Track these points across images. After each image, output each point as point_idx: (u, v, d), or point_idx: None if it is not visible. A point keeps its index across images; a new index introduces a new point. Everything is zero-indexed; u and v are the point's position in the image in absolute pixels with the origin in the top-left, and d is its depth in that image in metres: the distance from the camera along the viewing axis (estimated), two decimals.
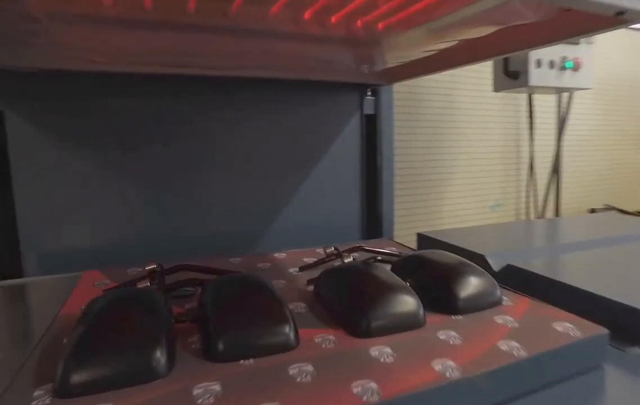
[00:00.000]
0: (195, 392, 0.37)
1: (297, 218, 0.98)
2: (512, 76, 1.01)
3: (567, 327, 0.49)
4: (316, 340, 0.48)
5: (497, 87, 1.05)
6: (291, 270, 0.75)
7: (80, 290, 0.65)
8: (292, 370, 0.41)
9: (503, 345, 0.45)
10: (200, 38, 0.63)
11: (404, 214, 1.34)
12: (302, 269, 0.73)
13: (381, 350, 0.45)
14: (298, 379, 0.39)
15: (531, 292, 0.61)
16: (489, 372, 0.40)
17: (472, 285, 0.56)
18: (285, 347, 0.45)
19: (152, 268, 0.64)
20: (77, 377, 0.36)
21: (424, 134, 1.35)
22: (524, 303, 0.57)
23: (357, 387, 0.37)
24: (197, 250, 0.89)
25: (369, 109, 1.04)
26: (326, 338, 0.48)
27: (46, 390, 0.37)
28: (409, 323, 0.50)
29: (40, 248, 0.79)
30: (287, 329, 0.46)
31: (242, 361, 0.42)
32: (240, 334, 0.44)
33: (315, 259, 0.77)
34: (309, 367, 0.41)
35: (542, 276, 0.66)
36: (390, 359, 0.43)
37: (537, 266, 0.70)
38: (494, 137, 1.46)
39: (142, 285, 0.59)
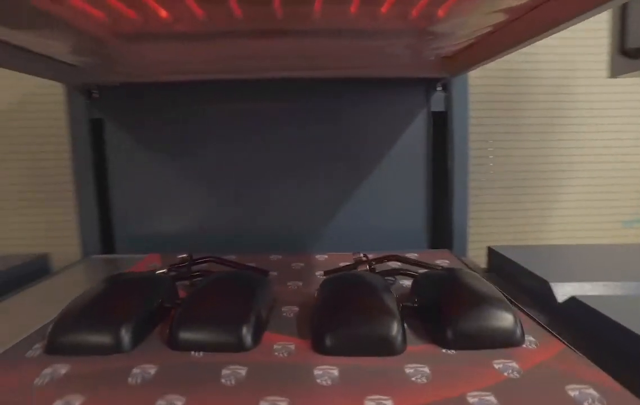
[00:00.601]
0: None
1: (357, 221, 0.95)
2: (632, 55, 0.76)
3: (588, 394, 0.36)
4: (271, 349, 0.46)
5: (614, 71, 0.81)
6: (317, 273, 0.73)
7: (137, 267, 0.77)
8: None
9: (472, 398, 0.36)
10: (283, 42, 0.65)
11: (500, 224, 1.17)
12: (326, 272, 0.71)
13: (326, 371, 0.41)
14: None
15: (593, 334, 0.47)
16: None
17: (476, 316, 0.46)
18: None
19: (182, 257, 0.71)
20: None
21: (528, 132, 1.15)
22: (552, 349, 0.45)
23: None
24: (261, 244, 0.94)
25: (438, 106, 0.93)
26: (284, 347, 0.46)
27: None
28: (380, 348, 0.44)
29: (128, 232, 0.95)
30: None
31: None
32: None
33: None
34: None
35: (608, 318, 0.50)
36: (328, 382, 0.39)
37: (609, 303, 0.53)
38: (625, 135, 1.14)
39: (159, 272, 0.67)
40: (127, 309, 0.49)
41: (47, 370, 0.41)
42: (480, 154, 1.16)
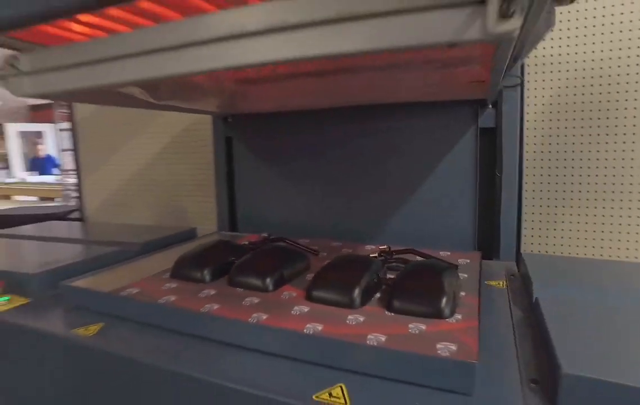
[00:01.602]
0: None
1: (411, 221, 1.11)
2: None
3: (446, 347, 0.52)
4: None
5: None
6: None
7: (242, 240, 1.12)
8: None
9: (370, 339, 0.56)
10: (354, 78, 0.89)
11: (581, 235, 1.14)
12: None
13: (301, 308, 0.66)
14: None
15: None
16: (324, 338, 0.55)
17: (412, 293, 0.64)
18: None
19: (264, 236, 1.03)
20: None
21: (615, 140, 1.09)
22: (462, 325, 0.59)
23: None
24: (334, 232, 1.19)
25: (488, 122, 1.01)
26: (289, 294, 0.73)
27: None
28: (341, 303, 0.66)
29: (245, 217, 1.33)
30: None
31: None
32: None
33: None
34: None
35: (542, 315, 0.59)
36: (297, 312, 0.64)
37: (559, 304, 0.62)
38: None
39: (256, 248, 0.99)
40: (208, 258, 0.83)
41: (170, 284, 0.77)
42: (564, 163, 1.15)
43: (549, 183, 1.18)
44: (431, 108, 1.06)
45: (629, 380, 0.44)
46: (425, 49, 0.45)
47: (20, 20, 0.64)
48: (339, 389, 0.51)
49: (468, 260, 0.91)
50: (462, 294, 0.71)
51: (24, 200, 4.48)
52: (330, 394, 0.50)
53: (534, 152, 1.20)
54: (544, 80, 1.17)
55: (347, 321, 0.61)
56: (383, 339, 0.55)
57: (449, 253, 0.96)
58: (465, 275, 0.81)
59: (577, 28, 1.12)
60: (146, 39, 0.58)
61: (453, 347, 0.52)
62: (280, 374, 0.55)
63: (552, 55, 1.14)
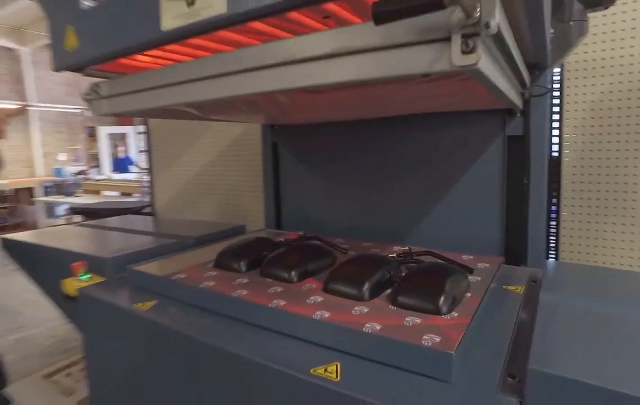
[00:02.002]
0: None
1: (440, 225, 1.14)
2: None
3: (430, 338, 0.59)
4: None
5: None
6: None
7: (281, 237, 1.24)
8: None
9: (367, 327, 0.64)
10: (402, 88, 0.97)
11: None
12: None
13: (316, 298, 0.76)
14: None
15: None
16: (336, 326, 0.64)
17: (414, 291, 0.71)
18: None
19: (299, 234, 1.14)
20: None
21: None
22: (456, 322, 0.65)
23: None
24: (365, 232, 1.27)
25: (516, 130, 1.02)
26: (309, 286, 0.83)
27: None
28: (352, 295, 0.75)
29: (288, 215, 1.45)
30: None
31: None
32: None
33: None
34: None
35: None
36: (312, 301, 0.74)
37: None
38: None
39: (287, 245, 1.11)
40: (245, 252, 0.95)
41: (212, 272, 0.91)
42: (607, 171, 1.12)
43: (589, 191, 1.16)
44: (460, 117, 1.09)
45: (593, 380, 0.48)
46: (405, 79, 0.52)
47: (104, 57, 0.81)
48: (335, 366, 0.60)
49: (487, 265, 0.94)
50: (468, 294, 0.76)
51: (109, 195, 5.07)
52: (325, 370, 0.59)
53: (574, 159, 1.18)
54: (585, 86, 1.15)
55: (353, 311, 0.70)
56: (378, 327, 0.63)
57: (471, 257, 1.00)
58: (479, 278, 0.85)
59: (622, 30, 1.09)
60: (190, 69, 0.72)
61: (437, 339, 0.59)
62: (289, 350, 0.65)
63: (594, 60, 1.12)
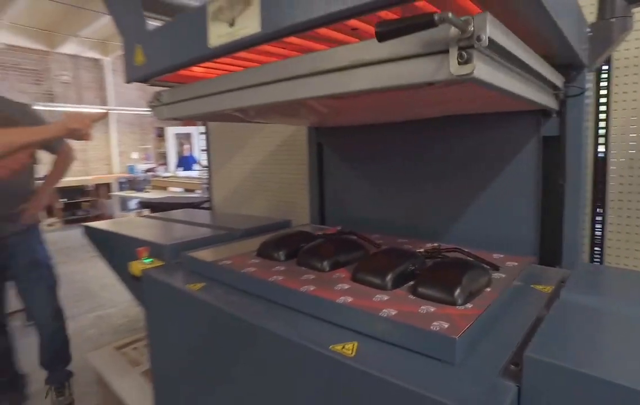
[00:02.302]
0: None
1: (474, 223, 1.16)
2: None
3: (439, 325, 0.64)
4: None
5: None
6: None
7: (321, 231, 1.33)
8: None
9: (385, 312, 0.70)
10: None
11: None
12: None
13: (342, 286, 0.83)
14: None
15: None
16: (353, 309, 0.72)
17: (432, 283, 0.76)
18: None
19: (338, 229, 1.22)
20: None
21: None
22: (468, 312, 0.69)
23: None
24: (409, 231, 1.31)
25: (551, 131, 1.01)
26: (339, 275, 0.90)
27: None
28: (377, 284, 0.82)
29: (332, 211, 1.53)
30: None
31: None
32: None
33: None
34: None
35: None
36: (339, 288, 0.82)
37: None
38: None
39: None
40: (284, 243, 1.05)
41: (254, 260, 1.02)
42: None
43: (638, 193, 1.12)
44: (495, 118, 1.11)
45: (586, 369, 0.51)
46: (412, 88, 0.58)
47: (164, 70, 0.94)
48: (352, 345, 0.67)
49: (515, 264, 0.95)
50: (488, 289, 0.79)
51: (174, 191, 5.48)
52: (343, 347, 0.66)
53: (622, 160, 1.14)
54: (635, 83, 1.11)
55: (374, 298, 0.76)
56: (394, 313, 0.69)
57: (501, 256, 1.01)
58: (502, 276, 0.87)
59: None
60: (233, 80, 0.83)
61: (445, 325, 0.64)
62: (313, 329, 0.73)
63: None
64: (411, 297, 0.77)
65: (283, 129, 1.89)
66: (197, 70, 1.01)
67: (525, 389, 0.55)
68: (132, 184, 6.90)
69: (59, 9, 5.88)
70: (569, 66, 0.96)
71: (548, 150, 1.04)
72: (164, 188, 5.84)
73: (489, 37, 0.50)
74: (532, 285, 0.90)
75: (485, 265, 0.89)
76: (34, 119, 1.80)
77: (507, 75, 0.62)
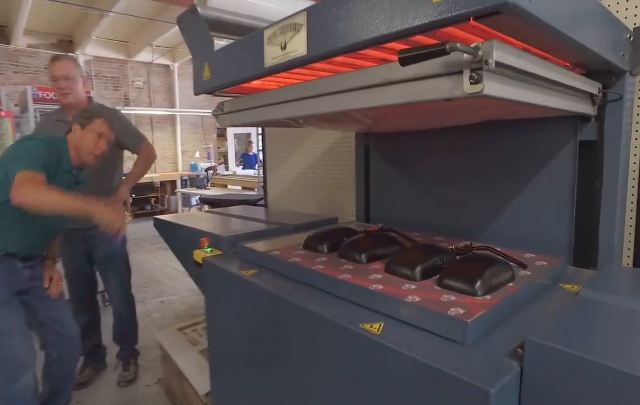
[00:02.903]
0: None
1: (510, 225, 1.21)
2: None
3: (455, 310, 0.73)
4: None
5: None
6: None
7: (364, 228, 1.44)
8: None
9: (409, 298, 0.81)
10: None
11: None
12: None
13: (375, 275, 0.94)
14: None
15: None
16: (377, 293, 0.83)
17: (455, 276, 0.84)
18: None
19: (379, 226, 1.32)
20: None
21: None
22: (484, 302, 0.77)
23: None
24: (448, 230, 1.38)
25: (589, 135, 1.03)
26: (374, 267, 1.01)
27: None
28: (408, 275, 0.92)
29: (378, 211, 1.63)
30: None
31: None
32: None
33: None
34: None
35: None
36: (372, 277, 0.93)
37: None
38: None
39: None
40: (328, 237, 1.17)
41: (300, 251, 1.16)
42: None
43: None
44: (533, 123, 1.15)
45: (582, 352, 0.58)
46: (434, 102, 0.67)
47: (227, 84, 1.11)
48: (379, 325, 0.78)
49: (545, 263, 1.00)
50: (510, 284, 0.86)
51: (233, 189, 5.83)
52: (371, 326, 0.77)
53: None
54: None
55: (402, 287, 0.86)
56: (417, 299, 0.79)
57: (532, 255, 1.06)
58: (528, 273, 0.93)
59: None
60: (284, 93, 0.97)
61: (461, 311, 0.72)
62: (347, 311, 0.85)
63: None
64: (437, 287, 0.86)
65: (331, 134, 2.01)
66: (254, 82, 1.17)
67: (527, 368, 0.62)
68: (193, 181, 7.41)
69: (136, 22, 6.50)
70: (607, 72, 0.99)
71: (586, 153, 1.07)
72: (224, 186, 6.23)
73: (496, 61, 0.58)
74: (560, 284, 0.95)
75: (512, 263, 0.96)
76: (122, 123, 2.09)
77: (522, 88, 0.70)
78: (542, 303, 0.85)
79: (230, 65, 1.07)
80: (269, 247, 1.23)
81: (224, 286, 1.24)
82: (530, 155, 1.17)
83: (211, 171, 6.82)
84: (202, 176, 7.12)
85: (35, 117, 2.97)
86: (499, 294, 0.81)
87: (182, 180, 7.91)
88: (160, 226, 1.88)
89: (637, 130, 1.10)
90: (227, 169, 7.99)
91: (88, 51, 7.44)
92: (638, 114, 1.09)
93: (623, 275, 0.96)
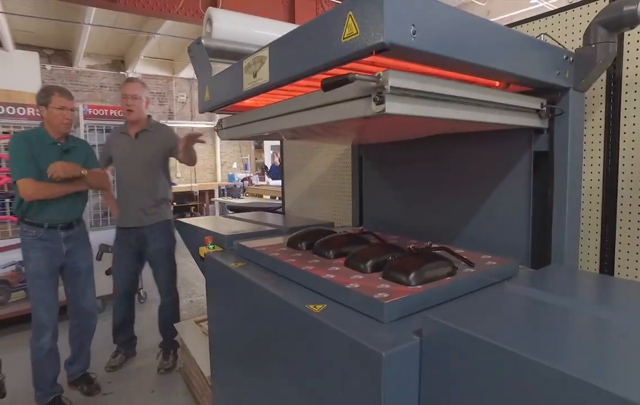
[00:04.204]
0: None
1: (475, 229, 1.31)
2: None
3: (380, 295, 0.87)
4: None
5: None
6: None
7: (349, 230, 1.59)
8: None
9: (350, 285, 0.95)
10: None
11: None
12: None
13: (334, 268, 1.09)
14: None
15: None
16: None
17: (396, 271, 0.98)
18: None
19: (360, 228, 1.47)
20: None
21: None
22: (414, 290, 0.90)
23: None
24: (423, 232, 1.50)
25: (543, 146, 1.12)
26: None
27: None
28: (359, 267, 1.06)
29: (369, 216, 1.77)
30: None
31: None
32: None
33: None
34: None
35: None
36: (354, 278, 1.08)
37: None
38: None
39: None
40: (306, 237, 1.34)
41: (283, 248, 1.33)
42: None
43: None
44: (496, 135, 1.25)
45: (469, 330, 0.70)
46: (349, 121, 0.83)
47: (221, 104, 1.31)
48: (322, 306, 0.93)
49: (494, 263, 1.10)
50: (447, 278, 0.98)
51: (266, 198, 6.12)
52: (315, 306, 0.93)
53: (632, 174, 1.19)
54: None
55: (351, 277, 1.01)
56: (356, 286, 0.93)
57: (489, 257, 1.16)
58: (472, 270, 1.04)
59: None
60: (263, 112, 1.15)
61: (385, 295, 0.86)
62: (302, 294, 1.01)
63: None
64: (380, 278, 1.00)
65: (339, 146, 2.18)
66: (247, 101, 1.36)
67: (424, 342, 0.75)
68: (230, 191, 7.81)
69: (180, 41, 7.03)
70: (551, 89, 1.09)
71: (541, 163, 1.17)
72: (260, 195, 6.53)
73: (391, 86, 0.73)
74: (503, 281, 1.05)
75: (462, 262, 1.07)
76: (172, 136, 2.53)
77: (429, 105, 0.83)
78: (477, 296, 0.96)
79: (222, 88, 1.28)
80: (259, 244, 1.41)
81: (220, 277, 1.43)
82: (492, 164, 1.28)
83: (247, 181, 7.17)
84: (238, 186, 7.49)
85: (85, 132, 3.36)
86: (431, 285, 0.94)
87: (219, 190, 8.35)
88: (180, 227, 2.13)
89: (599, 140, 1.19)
90: (263, 179, 8.34)
91: (137, 69, 8.11)
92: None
93: (557, 273, 1.04)
